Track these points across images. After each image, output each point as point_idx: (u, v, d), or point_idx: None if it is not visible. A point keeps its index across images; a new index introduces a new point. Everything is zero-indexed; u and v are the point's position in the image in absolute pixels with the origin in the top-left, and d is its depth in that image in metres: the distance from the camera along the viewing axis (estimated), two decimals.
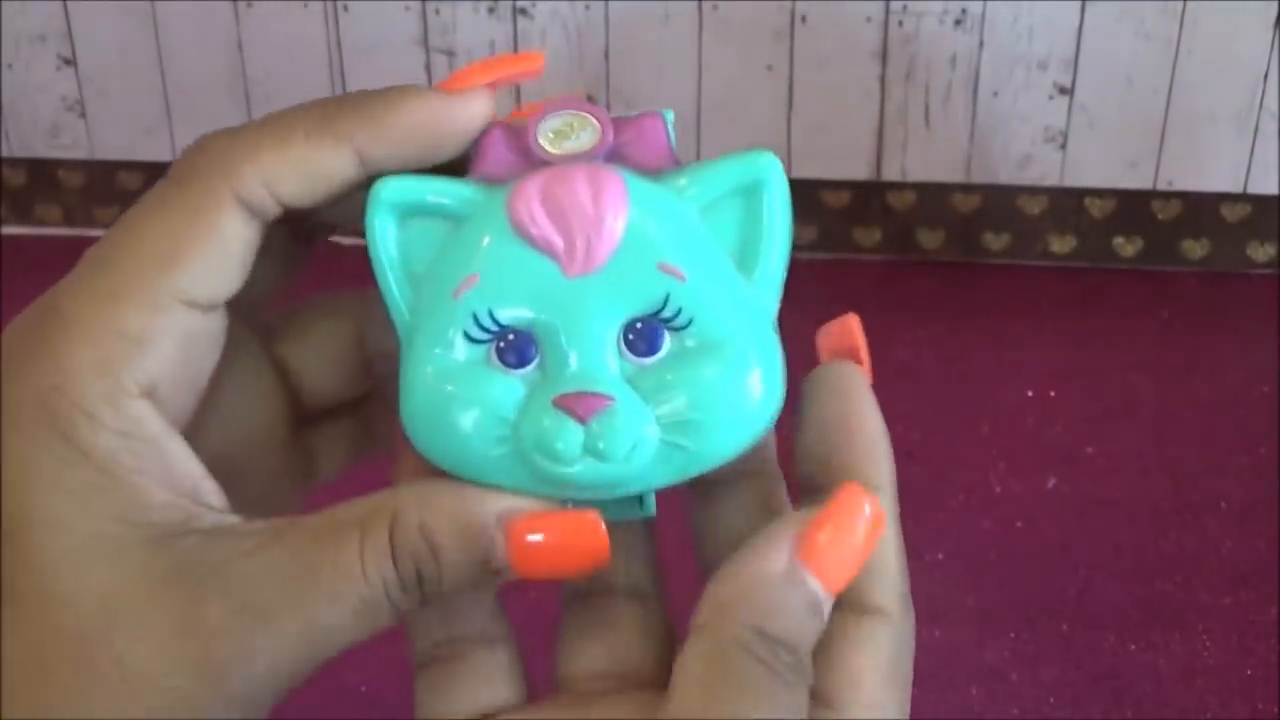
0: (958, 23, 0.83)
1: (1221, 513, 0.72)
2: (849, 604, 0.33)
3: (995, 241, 0.89)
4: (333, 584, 0.31)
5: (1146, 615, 0.67)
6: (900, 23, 0.84)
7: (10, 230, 0.93)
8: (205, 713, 0.31)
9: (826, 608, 0.31)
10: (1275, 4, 0.81)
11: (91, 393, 0.31)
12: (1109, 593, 0.68)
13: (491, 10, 0.86)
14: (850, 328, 0.36)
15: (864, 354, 0.35)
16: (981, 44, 0.84)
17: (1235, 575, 0.68)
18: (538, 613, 0.36)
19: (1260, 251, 0.87)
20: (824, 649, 0.32)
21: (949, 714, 0.63)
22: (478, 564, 0.32)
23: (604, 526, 0.32)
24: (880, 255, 0.90)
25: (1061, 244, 0.89)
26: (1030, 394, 0.79)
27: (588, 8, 0.84)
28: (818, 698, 0.32)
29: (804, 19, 0.84)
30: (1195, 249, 0.88)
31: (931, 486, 0.73)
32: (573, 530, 0.32)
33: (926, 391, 0.79)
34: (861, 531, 0.31)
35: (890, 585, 0.33)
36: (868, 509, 0.31)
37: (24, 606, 0.30)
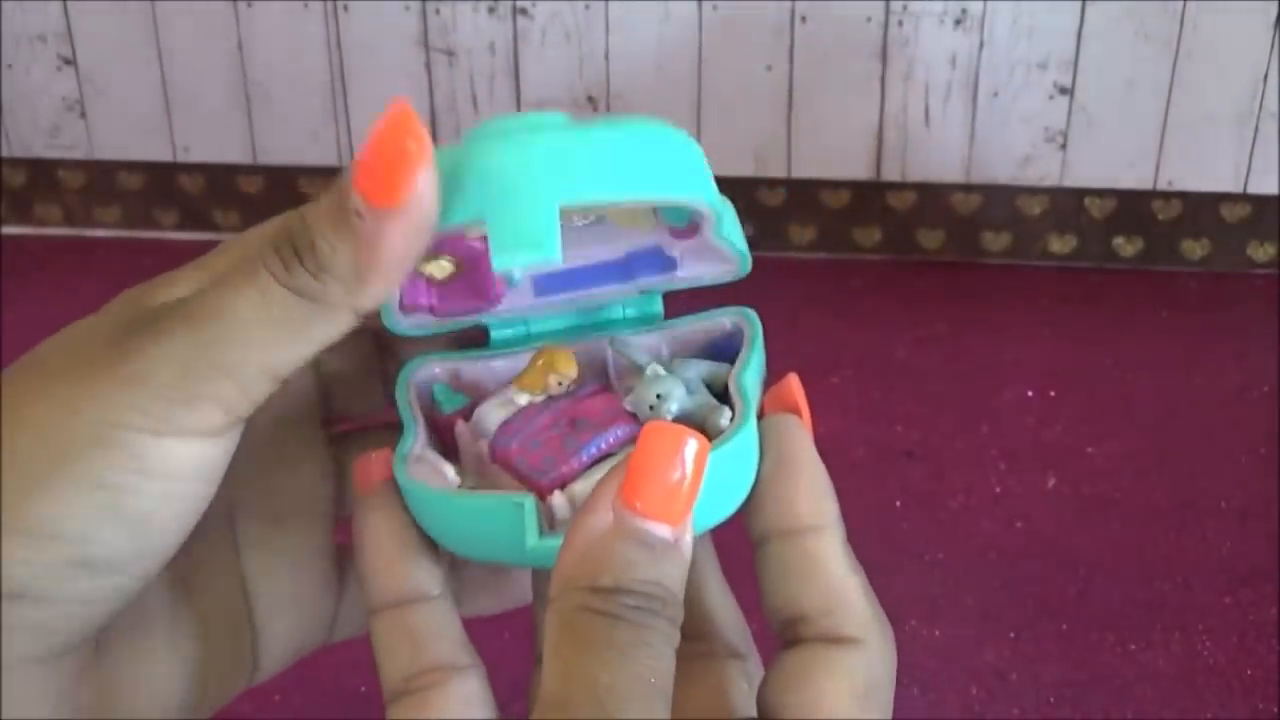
0: (958, 23, 0.83)
1: (1221, 513, 0.72)
2: (818, 636, 0.34)
3: (995, 241, 0.89)
4: (239, 289, 0.33)
5: (1146, 615, 0.67)
6: (900, 23, 0.84)
7: (10, 230, 0.93)
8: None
9: (682, 538, 0.32)
10: (1275, 4, 0.81)
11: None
12: (1109, 593, 0.68)
13: (492, 10, 0.86)
14: (790, 388, 0.37)
15: (804, 410, 0.37)
16: (981, 44, 0.84)
17: (1235, 575, 0.68)
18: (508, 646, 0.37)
19: (1260, 251, 0.88)
20: (797, 680, 0.33)
21: (949, 714, 0.63)
22: (336, 208, 0.32)
23: (410, 109, 0.32)
24: (880, 255, 0.90)
25: (1061, 244, 0.89)
26: (1030, 394, 0.79)
27: (588, 7, 0.84)
28: None
29: (804, 19, 0.84)
30: (1195, 249, 0.88)
31: (931, 486, 0.73)
32: (385, 123, 0.32)
33: (926, 391, 0.79)
34: (677, 459, 0.32)
35: (855, 617, 0.34)
36: (688, 442, 0.32)
37: None
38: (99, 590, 0.34)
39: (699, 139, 0.87)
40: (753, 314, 0.39)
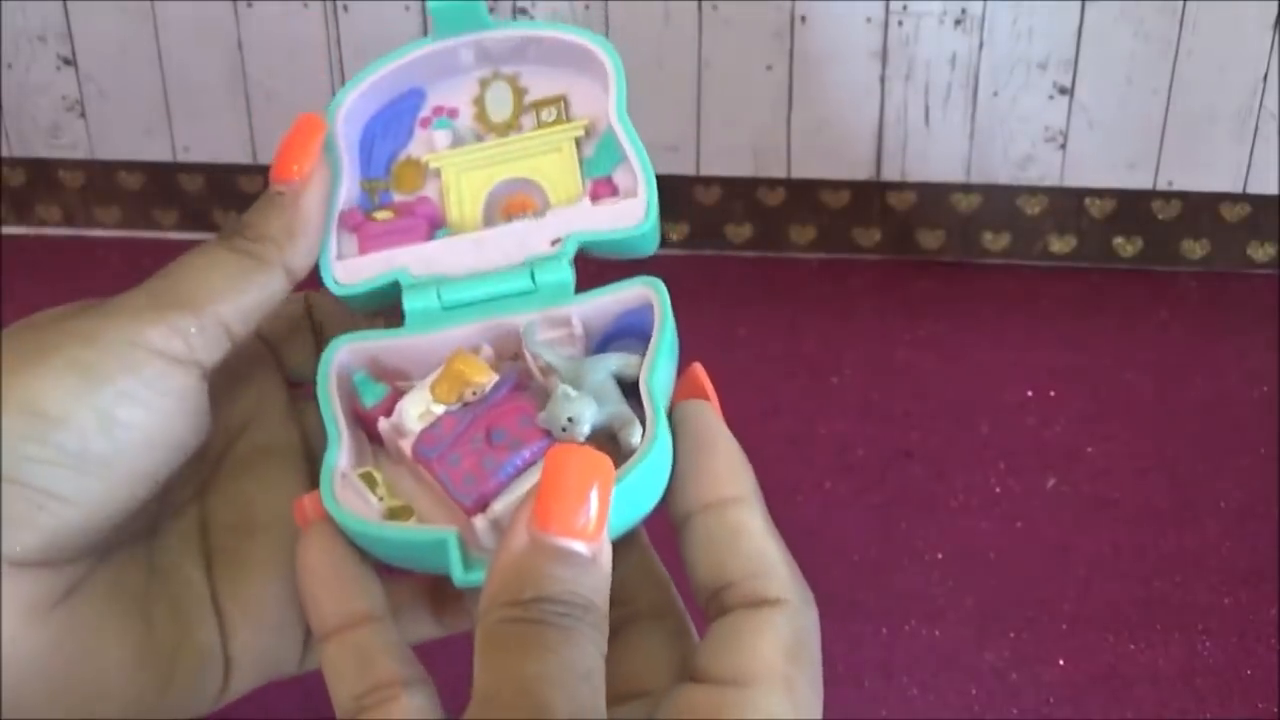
0: (957, 23, 0.83)
1: (1221, 512, 0.72)
2: (742, 601, 0.36)
3: (995, 241, 0.89)
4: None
5: (1146, 615, 0.67)
6: (900, 23, 0.84)
7: (10, 230, 0.93)
8: None
9: (599, 554, 0.34)
10: (1275, 4, 0.81)
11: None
12: (1108, 592, 0.68)
13: (491, 10, 0.86)
14: (696, 378, 0.39)
15: (712, 395, 0.39)
16: (981, 44, 0.84)
17: (1235, 575, 0.68)
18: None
19: (1260, 251, 0.88)
20: (728, 642, 0.35)
21: (948, 714, 0.63)
22: (263, 197, 0.41)
23: (314, 119, 0.42)
24: (880, 255, 0.90)
25: (1061, 244, 0.89)
26: (1030, 394, 0.79)
27: (587, 7, 0.84)
28: (730, 681, 0.34)
29: (804, 19, 0.84)
30: (1195, 249, 0.88)
31: (930, 486, 0.73)
32: (294, 128, 0.42)
33: (926, 391, 0.79)
34: (583, 486, 0.34)
35: (778, 579, 0.36)
36: (594, 468, 0.34)
37: None
38: (84, 492, 0.37)
39: (698, 139, 0.87)
40: (661, 285, 0.41)
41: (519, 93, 0.47)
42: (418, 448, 0.39)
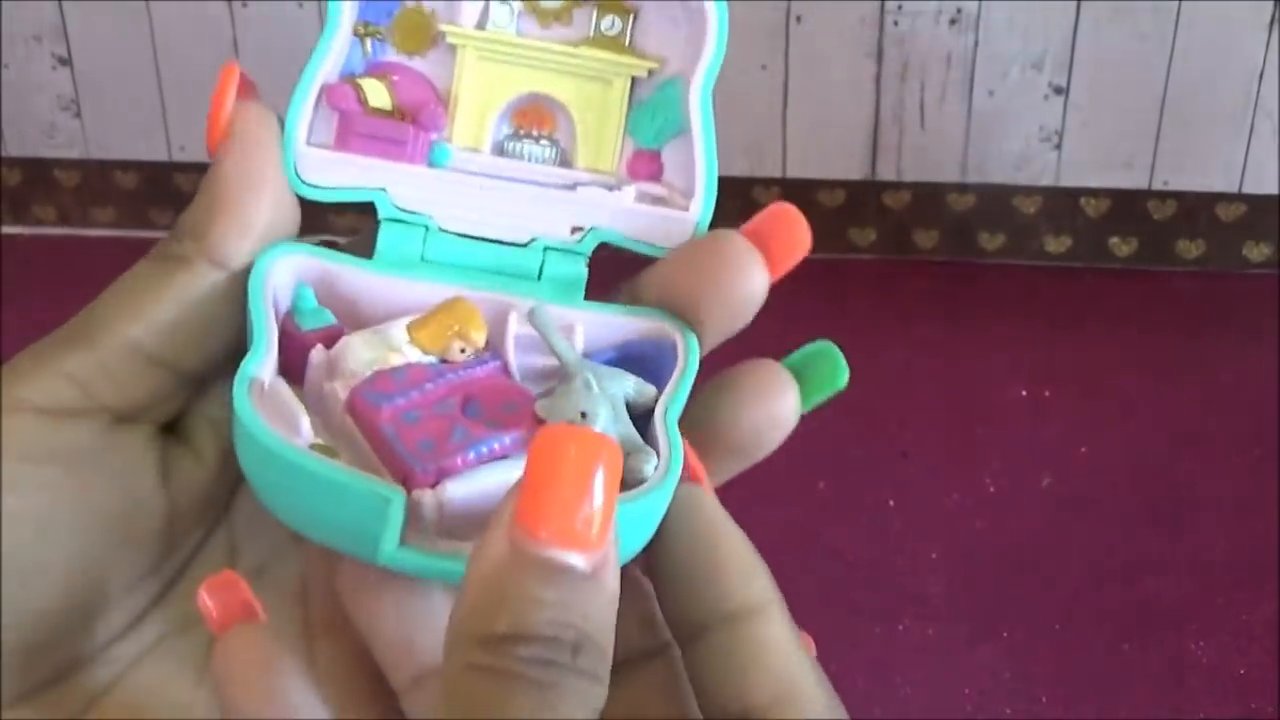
0: (953, 22, 0.83)
1: (1215, 512, 0.72)
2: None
3: (990, 241, 0.89)
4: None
5: (1139, 614, 0.67)
6: (895, 22, 0.84)
7: (7, 230, 0.93)
8: None
9: (601, 569, 0.26)
10: (1270, 4, 0.81)
11: None
12: (1102, 592, 0.68)
13: None
14: (685, 455, 0.31)
15: (703, 476, 0.31)
16: (976, 44, 0.84)
17: (1228, 575, 0.69)
18: None
19: (1256, 251, 0.88)
20: (748, 668, 0.29)
21: (942, 713, 0.63)
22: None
23: (232, 67, 0.32)
24: (875, 255, 0.90)
25: (1057, 244, 0.89)
26: (1025, 393, 0.79)
27: None
28: (768, 710, 0.28)
29: (799, 19, 0.84)
30: (1190, 249, 0.88)
31: (926, 486, 0.73)
32: (217, 86, 0.32)
33: (921, 391, 0.79)
34: (575, 465, 0.26)
35: (813, 704, 0.29)
36: (600, 450, 0.26)
37: None
38: None
39: None
40: (689, 331, 0.33)
41: None
42: (364, 390, 0.31)
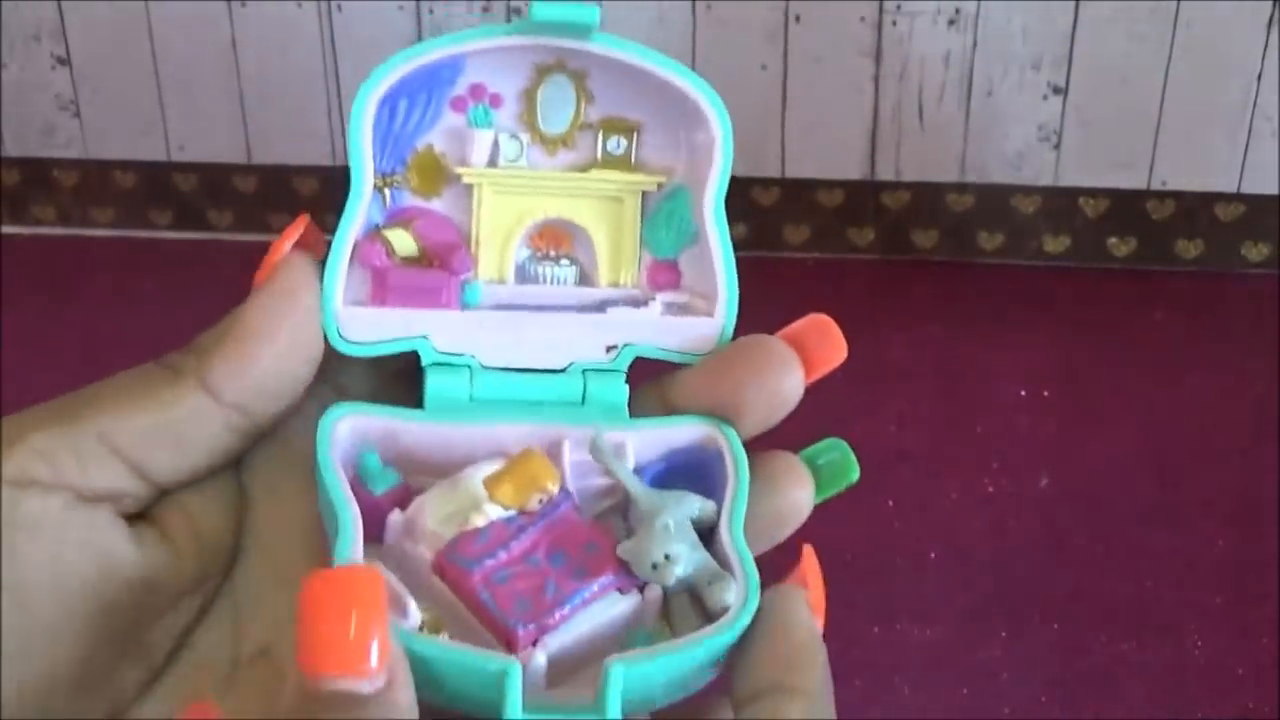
0: (951, 22, 0.83)
1: (1214, 512, 0.72)
2: None
3: (989, 241, 0.89)
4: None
5: (1138, 614, 0.67)
6: (894, 22, 0.84)
7: (7, 230, 0.93)
8: None
9: (381, 687, 0.28)
10: (1269, 4, 0.81)
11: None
12: (1101, 592, 0.68)
13: (486, 10, 0.86)
14: (807, 564, 0.34)
15: (814, 584, 0.33)
16: (975, 43, 0.84)
17: (1227, 574, 0.69)
18: None
19: (1254, 251, 0.88)
20: None
21: (940, 713, 0.63)
22: None
23: (304, 220, 0.34)
24: (874, 255, 0.90)
25: (1055, 244, 0.89)
26: (1023, 393, 0.79)
27: None
28: None
29: (798, 18, 0.84)
30: (1189, 249, 0.88)
31: (924, 485, 0.73)
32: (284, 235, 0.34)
33: (920, 391, 0.79)
34: (343, 613, 0.28)
35: None
36: (352, 590, 0.28)
37: None
38: None
39: None
40: (731, 432, 0.35)
41: (583, 98, 0.37)
42: (450, 555, 0.32)
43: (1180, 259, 0.88)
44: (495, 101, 0.37)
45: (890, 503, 0.72)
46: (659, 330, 0.36)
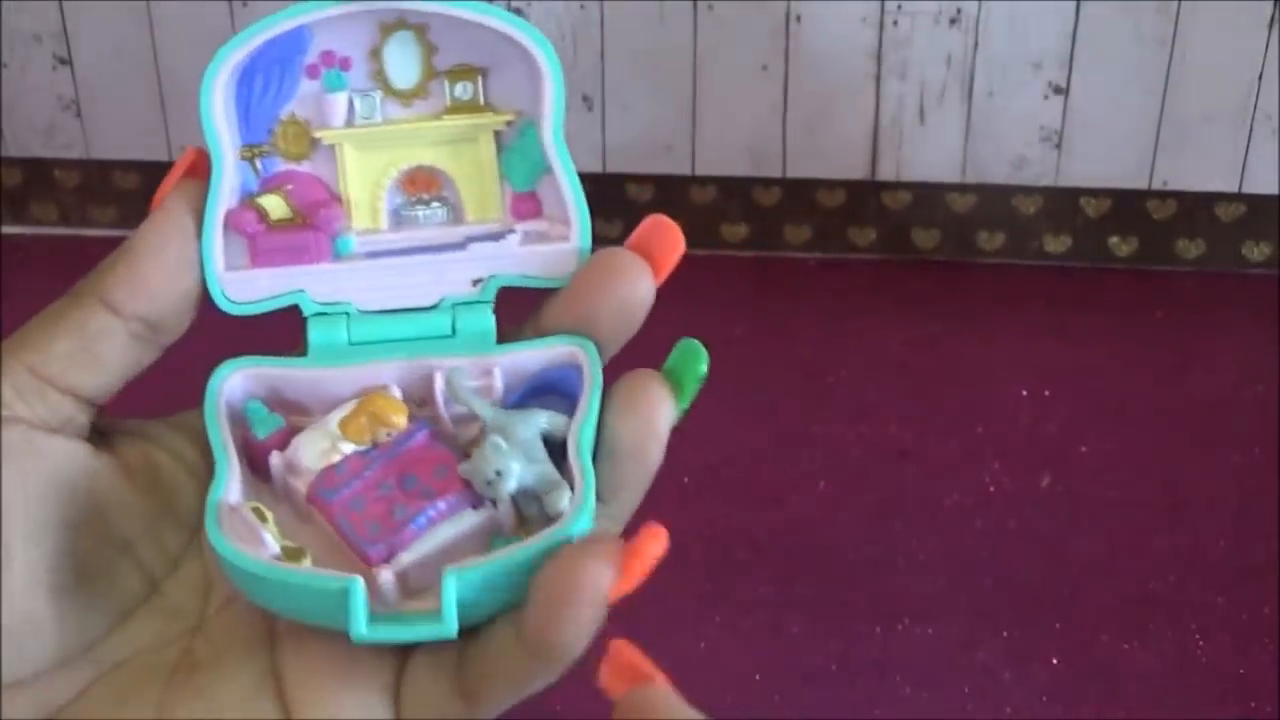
0: (952, 22, 0.83)
1: (1215, 511, 0.72)
2: None
3: (990, 241, 0.89)
4: None
5: (1140, 614, 0.67)
6: (895, 22, 0.84)
7: (7, 230, 0.93)
8: None
9: None
10: (1270, 4, 0.81)
11: None
12: (1102, 591, 0.68)
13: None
14: (621, 653, 0.33)
15: (653, 673, 0.33)
16: (976, 44, 0.84)
17: (1228, 574, 0.69)
18: None
19: (1255, 251, 0.88)
20: None
21: (941, 713, 0.63)
22: None
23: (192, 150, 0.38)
24: (875, 255, 0.90)
25: (1056, 243, 0.89)
26: (1024, 393, 0.79)
27: (583, 7, 0.85)
28: None
29: (799, 18, 0.84)
30: (1190, 249, 0.88)
31: (925, 485, 0.73)
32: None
33: (921, 390, 0.79)
34: None
35: None
36: None
37: None
38: None
39: (694, 139, 0.87)
40: (591, 346, 0.37)
41: (428, 50, 0.39)
42: (316, 488, 0.36)
43: (1181, 259, 0.88)
44: (345, 65, 0.39)
45: (891, 502, 0.73)
46: (520, 260, 0.38)
